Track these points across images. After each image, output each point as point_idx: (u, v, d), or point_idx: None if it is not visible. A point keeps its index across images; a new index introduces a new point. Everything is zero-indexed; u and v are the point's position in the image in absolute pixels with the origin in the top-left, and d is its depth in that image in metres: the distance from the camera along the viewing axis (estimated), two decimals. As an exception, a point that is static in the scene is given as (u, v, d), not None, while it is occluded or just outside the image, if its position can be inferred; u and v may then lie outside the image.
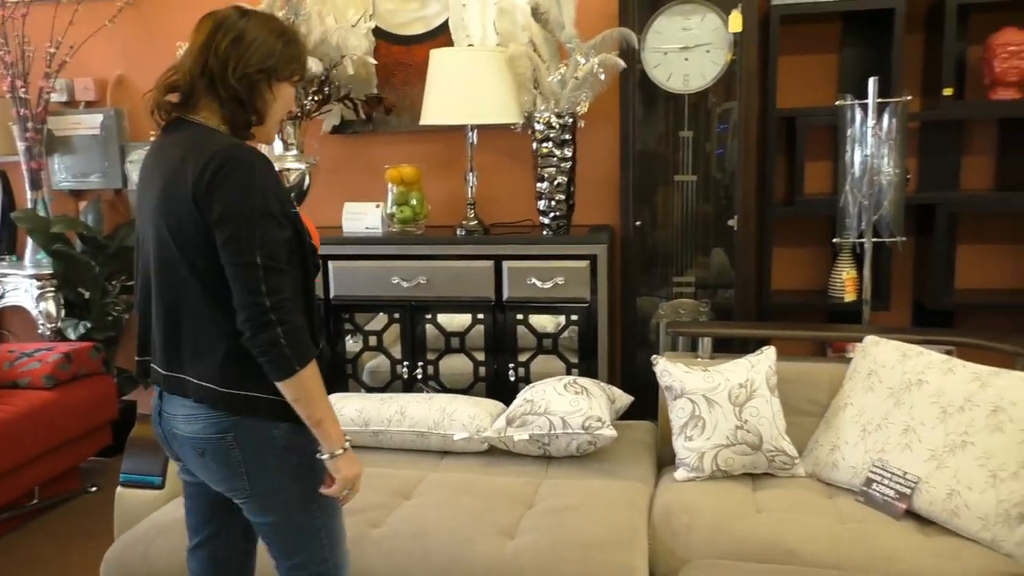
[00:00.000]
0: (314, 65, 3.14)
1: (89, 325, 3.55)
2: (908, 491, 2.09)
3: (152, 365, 1.60)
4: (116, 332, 3.69)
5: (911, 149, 3.22)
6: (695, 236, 3.28)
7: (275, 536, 1.63)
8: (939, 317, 3.20)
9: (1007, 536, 1.89)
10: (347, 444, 1.56)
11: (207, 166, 1.43)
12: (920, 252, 3.23)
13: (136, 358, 1.64)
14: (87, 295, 3.60)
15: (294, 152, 3.30)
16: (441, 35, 3.50)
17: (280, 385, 1.47)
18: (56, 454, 3.14)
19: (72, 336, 3.53)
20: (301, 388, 1.47)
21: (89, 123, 3.85)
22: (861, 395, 2.33)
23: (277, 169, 1.68)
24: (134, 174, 3.78)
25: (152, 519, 2.20)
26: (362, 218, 3.30)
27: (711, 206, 3.26)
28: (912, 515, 2.09)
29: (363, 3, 3.50)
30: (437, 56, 3.14)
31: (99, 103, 3.91)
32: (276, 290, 1.43)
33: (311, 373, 1.47)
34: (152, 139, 1.63)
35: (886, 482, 2.14)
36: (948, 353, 2.36)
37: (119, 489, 2.34)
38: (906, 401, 2.22)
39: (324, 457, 1.54)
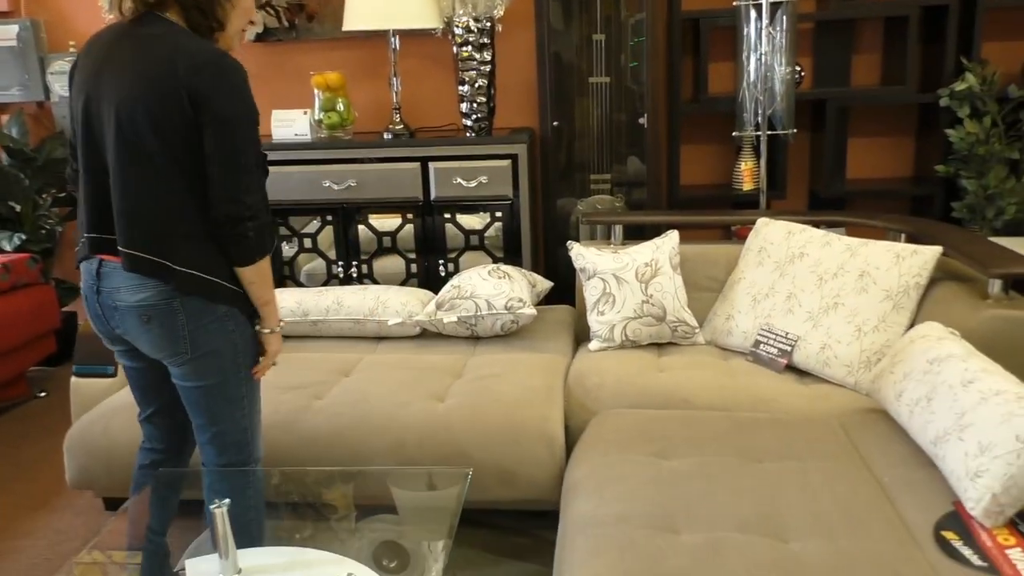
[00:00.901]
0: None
1: (24, 237, 3.60)
2: (789, 348, 2.39)
3: (91, 236, 1.69)
4: (51, 244, 3.75)
5: (805, 48, 3.47)
6: (610, 136, 3.49)
7: (204, 400, 1.75)
8: (833, 203, 3.52)
9: (866, 379, 2.21)
10: (281, 325, 1.81)
11: (204, 67, 1.56)
12: (815, 145, 3.51)
13: (87, 235, 1.71)
14: (18, 208, 3.63)
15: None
16: (361, -59, 3.54)
17: (241, 270, 1.67)
18: (1, 362, 3.25)
19: (7, 248, 3.58)
20: (258, 273, 1.70)
21: (4, 34, 3.80)
22: (752, 269, 2.62)
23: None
24: (56, 85, 3.77)
25: (108, 402, 2.37)
26: (291, 125, 3.40)
27: (625, 108, 3.47)
28: (793, 369, 2.40)
29: (281, -92, 3.52)
30: (357, -39, 3.21)
31: (13, 13, 3.86)
32: (254, 189, 1.63)
33: (267, 262, 1.70)
34: (108, 26, 1.69)
35: (771, 342, 2.44)
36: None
37: (73, 379, 2.49)
38: (789, 272, 2.51)
39: (265, 332, 1.79)
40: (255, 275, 1.70)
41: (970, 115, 3.09)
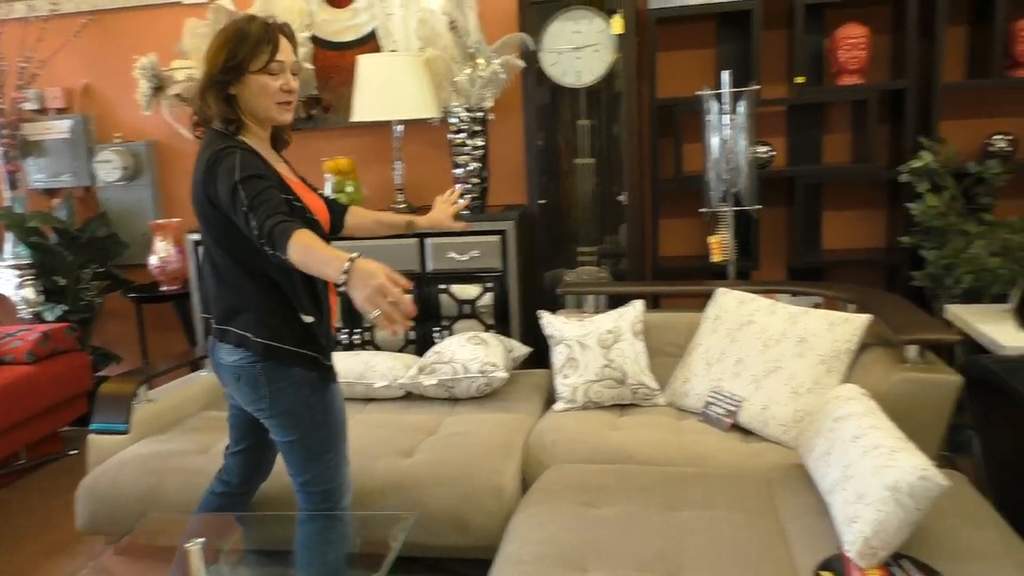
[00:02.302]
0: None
1: (65, 308, 3.99)
2: (735, 409, 2.57)
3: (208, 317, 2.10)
4: (90, 314, 4.13)
5: (779, 129, 3.71)
6: (596, 212, 3.75)
7: (291, 454, 2.03)
8: (809, 273, 3.70)
9: (797, 436, 2.37)
10: (344, 277, 1.60)
11: (206, 167, 1.89)
12: (791, 218, 3.71)
13: (202, 315, 2.13)
14: (62, 282, 4.03)
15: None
16: (370, 41, 3.94)
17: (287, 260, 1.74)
18: (38, 420, 3.60)
19: (50, 318, 3.97)
20: (295, 260, 1.70)
21: (59, 128, 4.28)
22: (708, 336, 2.81)
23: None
24: (101, 172, 4.21)
25: (119, 456, 2.66)
26: (303, 205, 3.74)
27: (608, 185, 3.74)
28: (739, 429, 2.57)
29: (302, 14, 3.94)
30: (364, 61, 3.59)
31: (68, 110, 4.34)
32: (257, 221, 1.76)
33: (293, 253, 1.69)
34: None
35: (719, 403, 2.62)
36: (816, 305, 2.86)
37: (90, 436, 2.79)
38: (739, 338, 2.70)
39: (340, 289, 1.69)
40: (295, 261, 1.70)
41: (930, 190, 3.27)
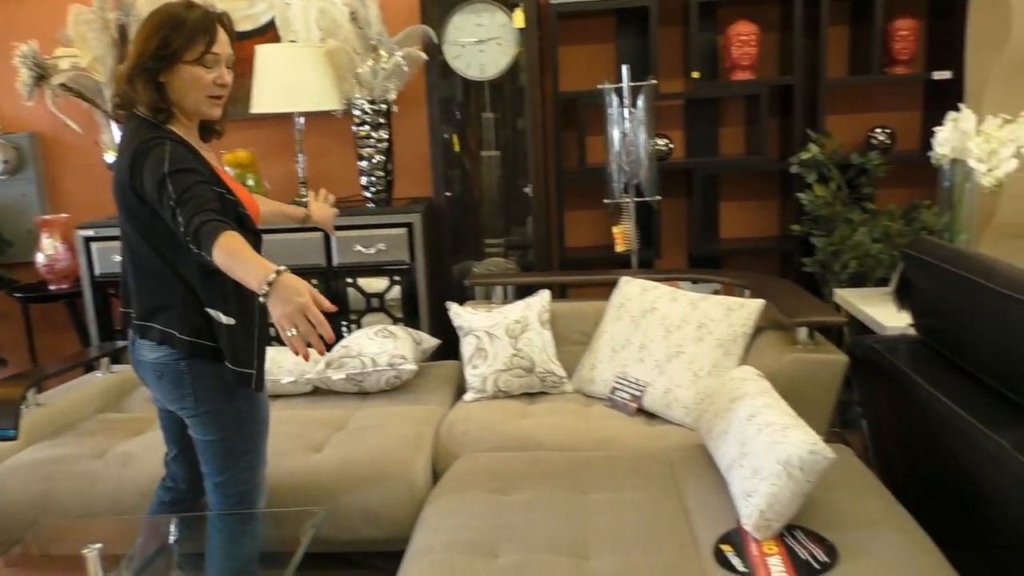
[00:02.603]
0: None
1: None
2: (639, 393, 2.65)
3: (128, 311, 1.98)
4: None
5: (677, 122, 3.83)
6: (502, 204, 3.79)
7: (209, 452, 1.96)
8: (708, 262, 3.83)
9: (698, 417, 2.46)
10: (266, 289, 1.55)
11: (133, 159, 1.79)
12: (691, 209, 3.83)
13: (121, 309, 2.03)
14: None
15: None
16: (269, 31, 3.85)
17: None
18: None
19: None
20: (219, 263, 1.65)
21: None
22: (613, 323, 2.88)
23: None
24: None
25: (7, 463, 2.52)
26: (202, 199, 3.64)
27: (514, 177, 3.77)
28: (644, 412, 2.65)
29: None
30: (263, 51, 3.50)
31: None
32: (184, 218, 1.70)
33: (218, 255, 1.64)
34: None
35: (625, 388, 2.70)
36: (715, 291, 2.96)
37: (-24, 443, 2.64)
38: (642, 325, 2.78)
39: (261, 301, 1.59)
40: (218, 263, 1.66)
41: (818, 180, 3.44)
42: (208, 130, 2.00)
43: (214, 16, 1.86)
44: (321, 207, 2.39)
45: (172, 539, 2.10)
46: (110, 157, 3.75)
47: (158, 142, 1.79)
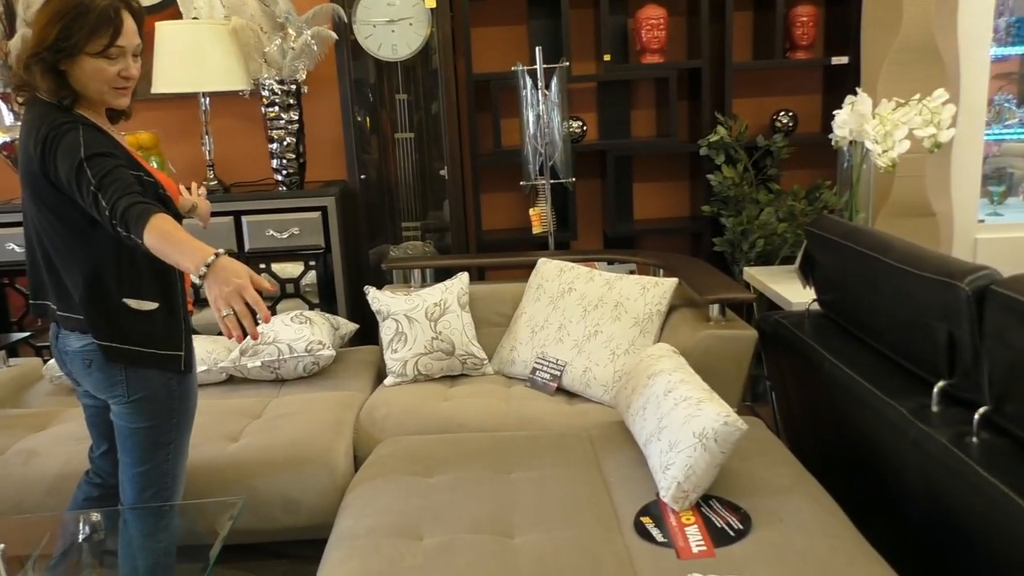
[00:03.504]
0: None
1: None
2: (559, 373, 2.68)
3: (49, 304, 1.89)
4: None
5: (590, 104, 3.87)
6: (418, 187, 3.76)
7: (133, 441, 1.89)
8: (623, 242, 3.91)
9: (616, 394, 2.52)
10: (204, 271, 1.52)
11: (42, 143, 1.71)
12: (605, 190, 3.89)
13: (30, 301, 1.93)
14: None
15: (26, 122, 3.42)
16: (170, 7, 3.70)
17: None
18: None
19: None
20: (150, 246, 1.59)
21: None
22: (532, 304, 2.91)
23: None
24: None
25: None
26: (102, 183, 3.48)
27: (430, 160, 3.75)
28: (564, 392, 2.69)
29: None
30: (163, 28, 3.36)
31: None
32: (106, 202, 1.63)
33: (149, 238, 1.58)
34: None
35: (544, 368, 2.73)
36: (631, 271, 3.01)
37: None
38: (561, 305, 2.81)
39: (197, 283, 1.57)
40: (151, 247, 1.60)
41: (726, 162, 3.54)
42: (115, 112, 1.92)
43: (120, 4, 1.75)
44: (201, 200, 2.27)
45: (82, 536, 2.02)
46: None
47: (70, 127, 1.71)
